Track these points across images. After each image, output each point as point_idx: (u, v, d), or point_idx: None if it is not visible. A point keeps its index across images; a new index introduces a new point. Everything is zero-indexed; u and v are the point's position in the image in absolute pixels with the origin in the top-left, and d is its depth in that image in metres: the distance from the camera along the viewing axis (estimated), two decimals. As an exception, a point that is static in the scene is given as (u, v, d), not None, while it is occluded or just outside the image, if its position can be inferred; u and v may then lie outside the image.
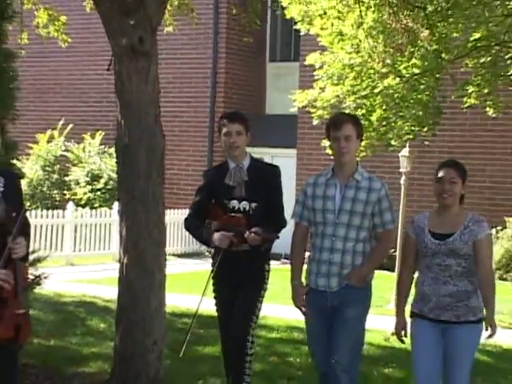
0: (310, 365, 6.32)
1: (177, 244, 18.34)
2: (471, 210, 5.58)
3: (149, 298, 6.40)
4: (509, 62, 11.18)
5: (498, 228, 15.31)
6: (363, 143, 10.75)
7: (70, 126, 20.33)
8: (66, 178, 19.69)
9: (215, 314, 6.12)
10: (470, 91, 11.57)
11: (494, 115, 12.42)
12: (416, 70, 11.21)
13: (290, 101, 13.31)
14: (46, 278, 7.84)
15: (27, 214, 4.88)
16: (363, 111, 11.46)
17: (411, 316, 5.48)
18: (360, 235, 5.49)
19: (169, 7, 10.16)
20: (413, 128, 11.72)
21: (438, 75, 11.45)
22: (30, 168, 19.69)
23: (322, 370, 5.63)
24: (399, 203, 11.81)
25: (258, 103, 20.23)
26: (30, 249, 4.99)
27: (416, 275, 5.52)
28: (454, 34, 11.15)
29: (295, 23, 12.45)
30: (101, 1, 6.46)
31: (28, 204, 17.79)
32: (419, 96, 11.46)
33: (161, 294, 6.49)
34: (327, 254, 5.48)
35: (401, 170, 12.33)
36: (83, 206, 18.12)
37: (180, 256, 17.90)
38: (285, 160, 17.94)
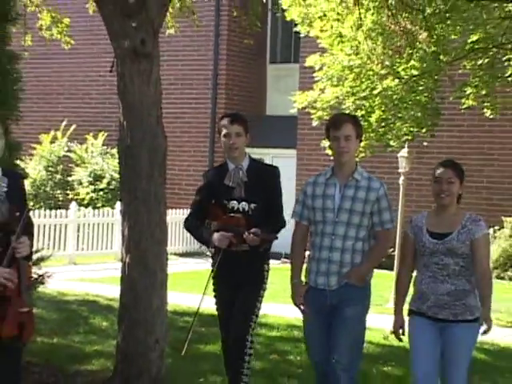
0: (310, 363, 6.35)
1: (178, 243, 18.36)
2: (469, 210, 5.59)
3: (151, 297, 6.40)
4: (506, 63, 11.23)
5: (496, 228, 15.35)
6: (362, 144, 10.74)
7: (73, 126, 20.36)
8: (69, 178, 19.72)
9: (216, 312, 6.12)
10: (467, 93, 11.61)
11: (491, 116, 12.44)
12: (414, 72, 11.23)
13: (290, 102, 13.36)
14: (49, 276, 7.85)
15: (30, 213, 4.92)
16: (362, 112, 11.46)
17: (409, 314, 5.47)
18: (359, 234, 5.50)
19: (170, 10, 10.18)
20: (411, 129, 11.73)
21: (436, 77, 11.47)
22: (34, 168, 19.73)
23: (319, 369, 5.63)
24: (398, 203, 11.83)
25: (259, 104, 20.24)
26: (34, 248, 4.99)
27: (414, 274, 5.53)
28: (452, 36, 11.19)
29: (295, 25, 12.46)
30: (103, 3, 6.45)
31: (31, 204, 17.78)
32: (418, 97, 11.48)
33: (162, 293, 6.49)
34: (326, 252, 5.49)
35: (399, 170, 12.36)
36: (86, 206, 18.17)
37: (181, 255, 17.89)
38: (285, 160, 18.01)
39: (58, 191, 19.73)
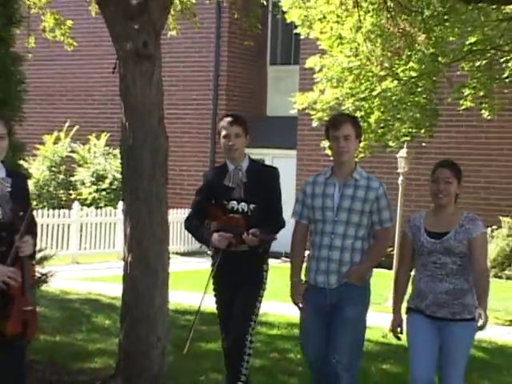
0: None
1: (180, 243, 18.39)
2: (467, 210, 5.60)
3: (152, 296, 6.38)
4: (504, 65, 11.30)
5: (494, 227, 15.38)
6: (362, 144, 10.75)
7: (76, 127, 20.38)
8: (72, 179, 19.76)
9: (216, 311, 6.14)
10: (465, 94, 11.68)
11: (489, 117, 12.51)
12: (413, 73, 11.27)
13: (290, 103, 13.43)
14: (52, 275, 7.91)
15: (34, 213, 4.91)
16: (362, 113, 11.50)
17: (407, 312, 5.48)
18: (359, 233, 5.52)
19: (172, 12, 10.18)
20: (410, 130, 11.77)
21: (434, 78, 11.52)
22: (37, 168, 19.77)
23: (313, 367, 5.65)
24: (397, 203, 11.85)
25: (259, 105, 20.26)
26: (37, 247, 5.03)
27: (413, 273, 5.55)
28: (451, 38, 11.22)
29: (295, 27, 12.50)
30: (106, 5, 6.44)
31: (35, 203, 17.83)
32: (416, 98, 11.53)
33: (164, 292, 6.47)
34: (326, 251, 5.50)
35: (398, 170, 12.41)
36: (88, 206, 18.21)
37: (183, 254, 17.94)
38: (285, 161, 18.06)
39: (61, 191, 19.77)
